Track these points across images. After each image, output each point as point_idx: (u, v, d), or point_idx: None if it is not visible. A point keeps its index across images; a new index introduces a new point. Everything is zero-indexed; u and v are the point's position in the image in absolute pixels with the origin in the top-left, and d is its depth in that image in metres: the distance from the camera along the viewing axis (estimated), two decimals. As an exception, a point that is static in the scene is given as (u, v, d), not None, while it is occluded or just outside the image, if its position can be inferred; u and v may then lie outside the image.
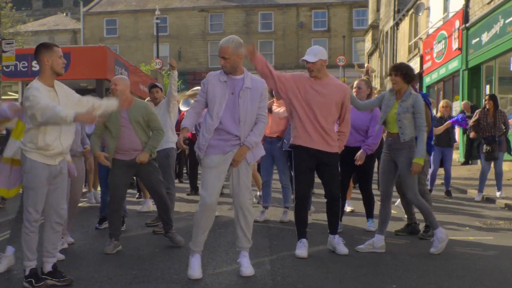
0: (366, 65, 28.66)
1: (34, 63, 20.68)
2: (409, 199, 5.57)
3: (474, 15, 15.31)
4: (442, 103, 10.23)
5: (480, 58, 14.88)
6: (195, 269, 4.52)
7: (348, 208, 7.65)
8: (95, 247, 5.75)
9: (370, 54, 31.62)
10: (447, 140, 9.90)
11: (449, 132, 9.83)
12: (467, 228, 6.95)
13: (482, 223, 7.31)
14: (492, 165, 9.45)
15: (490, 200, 9.38)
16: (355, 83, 6.76)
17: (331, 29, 41.43)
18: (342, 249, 5.26)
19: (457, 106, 15.32)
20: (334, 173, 5.34)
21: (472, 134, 9.69)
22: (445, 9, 18.28)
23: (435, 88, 19.51)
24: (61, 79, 16.97)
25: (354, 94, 6.46)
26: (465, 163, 14.80)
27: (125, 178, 5.64)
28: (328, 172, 5.29)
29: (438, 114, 10.02)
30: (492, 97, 9.56)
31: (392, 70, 5.56)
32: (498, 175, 9.49)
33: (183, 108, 8.73)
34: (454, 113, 16.74)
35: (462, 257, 5.32)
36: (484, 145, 9.37)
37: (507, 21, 13.09)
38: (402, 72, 5.45)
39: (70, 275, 4.42)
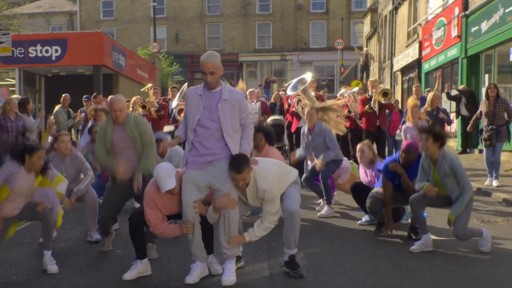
0: (365, 49, 28.55)
1: (31, 49, 20.60)
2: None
3: (473, 3, 15.18)
4: (430, 95, 10.25)
5: (480, 47, 14.80)
6: (192, 274, 4.66)
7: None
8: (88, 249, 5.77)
9: (369, 38, 31.42)
10: None
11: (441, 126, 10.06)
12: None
13: (480, 220, 7.32)
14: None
15: (486, 193, 9.40)
16: (358, 146, 7.10)
17: (330, 11, 41.03)
18: (216, 269, 4.90)
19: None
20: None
21: (469, 128, 10.01)
22: (445, -6, 18.15)
23: (434, 75, 19.42)
24: (59, 65, 16.98)
25: (358, 158, 7.00)
26: (463, 152, 14.81)
27: (120, 200, 5.52)
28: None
29: (428, 108, 10.14)
30: (496, 86, 9.78)
31: (422, 133, 5.57)
32: (496, 164, 9.65)
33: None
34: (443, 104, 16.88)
35: (459, 263, 5.31)
36: (484, 133, 9.60)
37: (507, 10, 12.99)
38: (432, 135, 5.47)
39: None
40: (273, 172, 4.69)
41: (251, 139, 4.76)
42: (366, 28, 32.42)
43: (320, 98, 10.17)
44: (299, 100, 9.89)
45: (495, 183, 9.61)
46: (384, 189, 6.20)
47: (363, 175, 7.05)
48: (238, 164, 4.42)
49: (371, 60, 29.34)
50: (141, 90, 13.12)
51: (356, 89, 11.88)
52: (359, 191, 6.84)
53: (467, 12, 15.48)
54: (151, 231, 4.80)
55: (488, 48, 14.43)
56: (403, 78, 23.31)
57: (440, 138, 5.50)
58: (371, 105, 10.10)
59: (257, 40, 41.39)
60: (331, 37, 39.73)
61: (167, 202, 4.69)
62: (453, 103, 15.08)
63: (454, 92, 14.77)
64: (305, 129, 7.67)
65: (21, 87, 21.04)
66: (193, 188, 4.57)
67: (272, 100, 13.62)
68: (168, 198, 4.66)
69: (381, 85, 10.72)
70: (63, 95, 12.49)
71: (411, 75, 21.97)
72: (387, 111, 10.71)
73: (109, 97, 5.89)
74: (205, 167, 4.57)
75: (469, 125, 10.07)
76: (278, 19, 41.08)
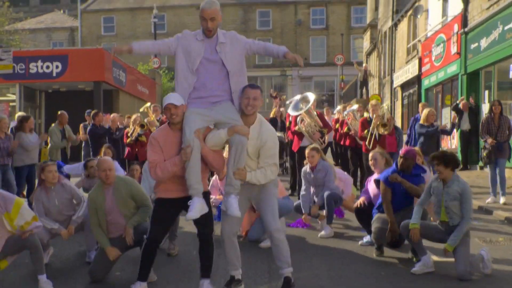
0: (364, 65, 28.63)
1: (32, 65, 20.67)
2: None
3: (473, 20, 15.25)
4: (426, 111, 10.27)
5: (479, 64, 14.83)
6: (192, 210, 4.52)
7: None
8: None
9: (369, 54, 31.53)
10: (434, 149, 9.98)
11: (438, 141, 10.28)
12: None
13: (481, 239, 7.26)
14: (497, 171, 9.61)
15: (487, 211, 9.34)
16: (370, 155, 7.14)
17: (330, 26, 41.33)
18: None
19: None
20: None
21: (490, 141, 9.59)
22: (444, 12, 18.22)
23: (434, 92, 19.46)
24: (60, 81, 16.82)
25: (372, 166, 7.06)
26: (464, 168, 14.76)
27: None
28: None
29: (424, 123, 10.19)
30: (500, 102, 9.78)
31: (433, 160, 5.60)
32: (502, 180, 9.60)
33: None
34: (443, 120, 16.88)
35: (461, 285, 5.25)
36: (486, 150, 9.54)
37: (506, 27, 13.04)
38: (443, 161, 5.49)
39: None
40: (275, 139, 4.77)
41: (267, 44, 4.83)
42: (366, 44, 32.55)
43: (321, 117, 10.15)
44: (302, 119, 9.86)
45: (502, 200, 9.53)
46: (383, 195, 6.20)
47: (373, 187, 6.96)
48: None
49: (370, 76, 29.39)
50: (140, 110, 13.03)
51: (355, 106, 11.88)
52: (363, 213, 6.80)
53: (466, 29, 15.54)
54: (151, 174, 4.66)
55: (487, 65, 14.46)
56: (403, 94, 23.35)
57: (451, 162, 5.51)
58: (371, 133, 10.07)
59: (257, 56, 41.49)
60: (331, 53, 39.94)
61: (169, 145, 4.61)
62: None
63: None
64: (307, 168, 7.75)
65: (21, 103, 21.06)
66: (197, 117, 4.55)
67: (272, 115, 13.61)
68: (171, 141, 4.62)
69: (382, 106, 10.72)
70: (59, 112, 11.66)
71: (411, 91, 22.01)
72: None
73: (99, 160, 5.78)
74: (209, 106, 4.61)
75: (490, 139, 9.57)
76: (278, 34, 41.32)
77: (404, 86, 23.02)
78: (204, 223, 4.64)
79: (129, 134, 11.41)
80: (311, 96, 9.85)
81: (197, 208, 4.48)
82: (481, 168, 14.31)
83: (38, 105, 22.99)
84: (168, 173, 4.54)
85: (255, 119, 4.67)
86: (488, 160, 9.60)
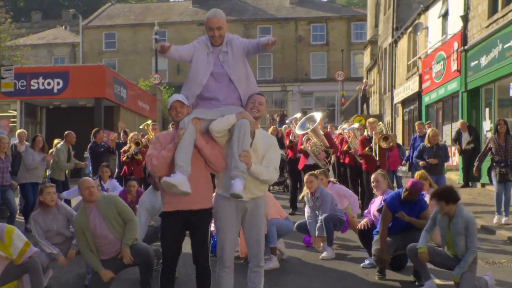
0: (364, 80, 28.73)
1: (33, 81, 20.73)
2: None
3: (472, 38, 15.31)
4: (429, 132, 10.32)
5: (479, 81, 14.86)
6: (173, 177, 4.33)
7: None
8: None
9: (369, 70, 31.63)
10: (439, 168, 10.37)
11: (440, 160, 10.30)
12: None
13: (484, 261, 7.20)
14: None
15: (490, 231, 9.29)
16: (373, 177, 7.13)
17: (330, 42, 41.50)
18: None
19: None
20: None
21: (475, 171, 9.71)
22: (444, 29, 18.29)
23: (434, 108, 19.48)
24: (61, 98, 16.62)
25: (374, 188, 7.05)
26: (465, 185, 14.74)
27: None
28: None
29: (427, 144, 10.20)
30: (505, 122, 9.59)
31: (433, 198, 5.59)
32: (507, 200, 9.48)
33: None
34: (445, 137, 16.92)
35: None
36: (498, 168, 9.35)
37: (505, 46, 13.08)
38: (442, 197, 5.48)
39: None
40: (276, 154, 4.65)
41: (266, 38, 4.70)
42: (366, 60, 32.68)
43: (328, 137, 10.14)
44: (308, 139, 9.86)
45: (504, 220, 9.42)
46: (383, 219, 6.19)
47: (376, 207, 6.94)
48: None
49: (370, 90, 29.44)
50: (140, 127, 13.01)
51: (356, 125, 11.90)
52: (367, 234, 6.78)
53: (466, 47, 15.59)
54: (148, 167, 4.59)
55: (488, 82, 14.49)
56: (404, 110, 23.37)
57: (450, 198, 5.48)
58: (372, 147, 10.08)
59: (258, 71, 41.70)
60: (332, 68, 40.09)
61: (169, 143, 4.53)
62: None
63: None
64: (308, 193, 7.77)
65: (22, 119, 21.10)
66: (199, 112, 4.54)
67: (270, 132, 13.62)
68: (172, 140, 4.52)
69: (380, 123, 10.74)
70: (66, 132, 11.31)
71: (412, 107, 22.04)
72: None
73: (80, 180, 5.76)
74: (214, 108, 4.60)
75: (476, 165, 9.71)
76: (279, 50, 41.49)
77: (405, 102, 23.06)
78: (200, 249, 4.55)
79: (124, 152, 11.35)
80: (318, 116, 9.85)
81: (177, 178, 4.28)
82: (483, 185, 14.28)
83: (39, 121, 23.02)
84: (163, 159, 4.43)
85: (256, 130, 4.59)
86: (503, 178, 9.36)
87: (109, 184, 8.99)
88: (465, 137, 14.61)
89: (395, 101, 24.37)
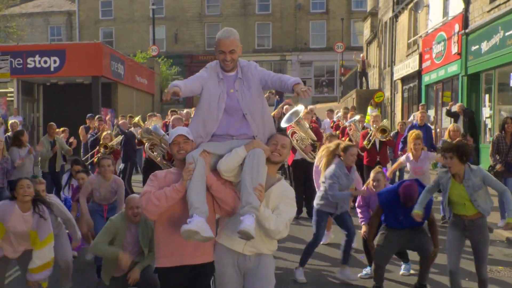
0: (362, 55, 28.41)
1: (29, 60, 20.54)
2: (483, 274, 5.51)
3: (473, 21, 15.09)
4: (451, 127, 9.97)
5: (480, 66, 14.73)
6: (191, 222, 3.64)
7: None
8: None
9: (369, 42, 31.24)
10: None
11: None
12: (466, 279, 6.49)
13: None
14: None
15: (488, 229, 9.27)
16: (372, 175, 7.00)
17: (330, 11, 40.84)
18: None
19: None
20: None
21: (499, 167, 9.26)
22: (445, 9, 17.99)
23: (434, 89, 19.36)
24: (57, 76, 16.47)
25: (374, 188, 6.87)
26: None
27: None
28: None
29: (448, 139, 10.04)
30: None
31: (446, 152, 5.26)
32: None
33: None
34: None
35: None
36: (497, 165, 9.20)
37: (507, 33, 12.91)
38: (458, 153, 5.19)
39: None
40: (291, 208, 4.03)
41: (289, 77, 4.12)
42: (366, 32, 32.25)
43: (315, 130, 10.09)
44: (293, 132, 9.81)
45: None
46: (376, 212, 6.26)
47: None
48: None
49: (369, 67, 29.13)
50: (133, 122, 12.66)
51: (357, 117, 11.83)
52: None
53: (467, 30, 15.39)
54: (144, 209, 3.82)
55: (488, 68, 14.36)
56: (403, 87, 23.22)
57: (467, 158, 5.24)
58: (370, 141, 10.09)
59: (257, 39, 41.22)
60: (331, 37, 39.59)
61: (169, 184, 3.88)
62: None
63: (454, 109, 14.69)
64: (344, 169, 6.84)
65: (19, 98, 21.00)
66: (207, 145, 3.95)
67: (273, 114, 13.45)
68: (174, 180, 3.89)
69: (384, 120, 10.73)
70: (49, 123, 11.23)
71: (411, 85, 21.89)
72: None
73: (127, 197, 5.54)
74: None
75: (498, 165, 9.23)
76: (278, 19, 40.90)
77: (405, 79, 22.88)
78: None
79: (93, 155, 10.70)
80: (301, 109, 9.79)
81: (197, 222, 3.60)
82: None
83: (36, 98, 22.91)
84: (170, 199, 3.74)
85: (276, 178, 4.03)
86: (496, 176, 9.18)
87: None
88: (460, 120, 14.49)
89: (394, 78, 24.18)
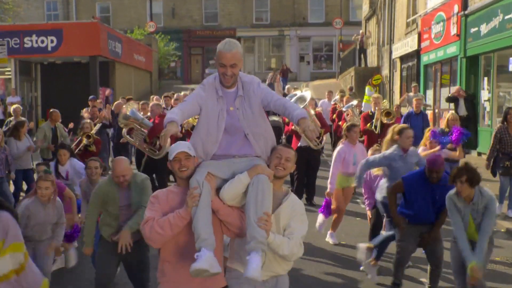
0: (361, 31, 28.23)
1: (26, 39, 20.41)
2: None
3: (473, 2, 15.00)
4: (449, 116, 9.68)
5: (479, 49, 14.70)
6: (199, 260, 3.42)
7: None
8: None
9: (368, 19, 31.00)
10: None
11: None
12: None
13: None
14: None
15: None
16: (370, 153, 7.25)
17: (328, -16, 40.38)
18: None
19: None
20: None
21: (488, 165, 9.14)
22: (445, -12, 17.85)
23: (433, 69, 19.32)
24: (55, 56, 16.37)
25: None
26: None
27: (113, 266, 5.33)
28: None
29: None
30: None
31: (456, 177, 5.00)
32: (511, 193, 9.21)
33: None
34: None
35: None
36: (503, 160, 8.98)
37: (506, 17, 12.86)
38: (470, 179, 4.95)
39: None
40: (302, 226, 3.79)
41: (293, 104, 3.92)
42: (365, 7, 31.96)
43: (319, 116, 10.15)
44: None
45: (511, 213, 9.15)
46: (394, 188, 6.02)
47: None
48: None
49: (368, 40, 28.87)
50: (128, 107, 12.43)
51: (355, 102, 11.88)
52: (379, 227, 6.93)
53: (466, 12, 15.32)
54: (146, 236, 3.58)
55: (487, 51, 14.34)
56: (402, 66, 23.16)
57: (476, 181, 4.99)
58: (374, 123, 10.15)
59: (255, 14, 40.84)
60: (330, 12, 39.20)
61: (172, 206, 3.63)
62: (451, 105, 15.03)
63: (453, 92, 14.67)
64: (400, 151, 6.63)
65: (17, 78, 20.92)
66: (211, 166, 3.67)
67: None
68: (175, 200, 3.65)
69: (384, 101, 10.74)
70: (51, 110, 10.96)
71: (410, 64, 21.84)
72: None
73: (113, 162, 5.35)
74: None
75: (487, 163, 9.15)
76: (276, -7, 40.45)
77: (403, 58, 22.81)
78: None
79: (77, 145, 10.23)
80: (308, 95, 9.83)
81: (206, 258, 3.39)
82: (479, 154, 14.41)
83: (34, 78, 22.82)
84: (175, 227, 3.51)
85: (283, 192, 3.82)
86: (505, 172, 9.04)
87: (68, 166, 8.16)
88: (461, 104, 14.50)
89: (393, 56, 24.10)
